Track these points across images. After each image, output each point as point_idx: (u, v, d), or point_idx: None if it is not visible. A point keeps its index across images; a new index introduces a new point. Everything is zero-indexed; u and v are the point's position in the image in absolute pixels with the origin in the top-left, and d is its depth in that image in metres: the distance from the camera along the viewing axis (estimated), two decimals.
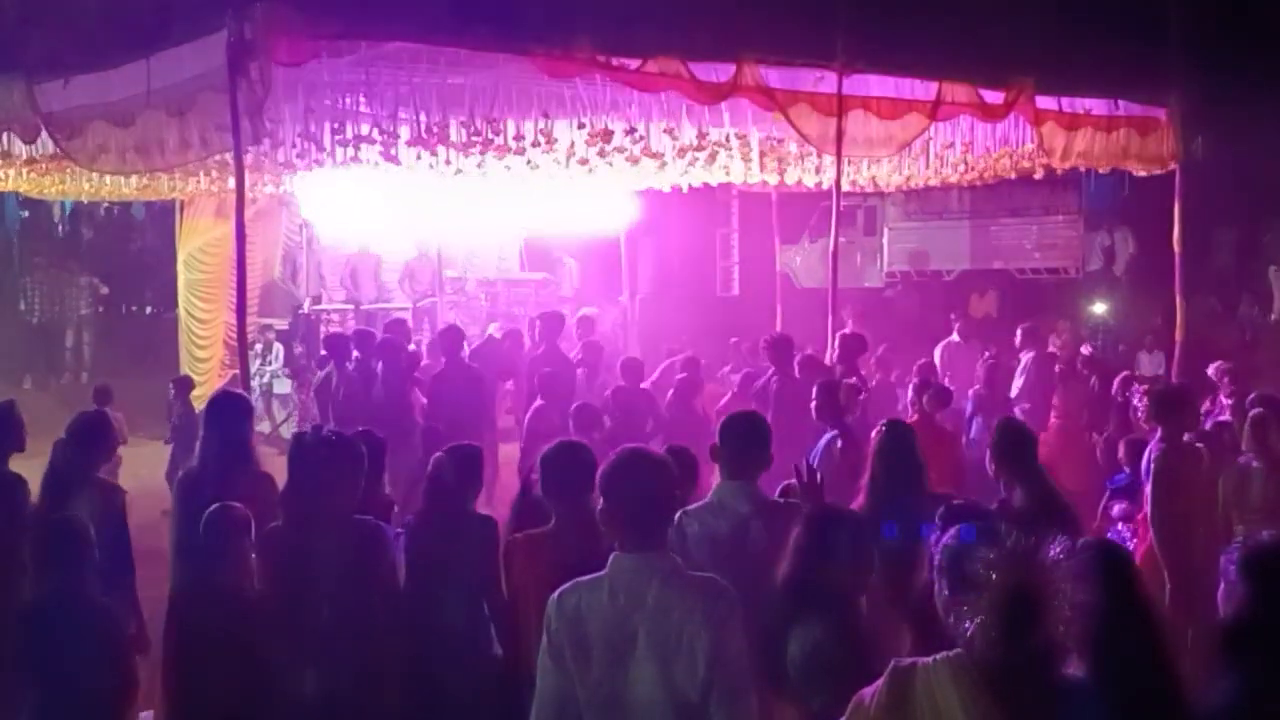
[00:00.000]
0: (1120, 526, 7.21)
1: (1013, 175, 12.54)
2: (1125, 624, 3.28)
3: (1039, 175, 12.37)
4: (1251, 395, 7.21)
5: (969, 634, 2.73)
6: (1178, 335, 11.80)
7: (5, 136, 9.69)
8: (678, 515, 4.48)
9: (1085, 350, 13.00)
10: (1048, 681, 2.75)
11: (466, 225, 15.39)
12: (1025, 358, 11.40)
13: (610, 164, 10.59)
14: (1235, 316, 17.43)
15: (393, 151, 9.17)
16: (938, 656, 2.83)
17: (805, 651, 3.69)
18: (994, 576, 2.69)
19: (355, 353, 10.77)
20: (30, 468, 5.98)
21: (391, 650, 4.76)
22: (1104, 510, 7.47)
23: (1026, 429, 5.77)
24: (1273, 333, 16.77)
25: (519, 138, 9.43)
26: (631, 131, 9.61)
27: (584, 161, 10.29)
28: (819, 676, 3.63)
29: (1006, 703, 2.72)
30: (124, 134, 8.10)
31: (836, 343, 9.81)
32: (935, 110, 9.80)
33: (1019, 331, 11.74)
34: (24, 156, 10.40)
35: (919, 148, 11.66)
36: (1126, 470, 7.53)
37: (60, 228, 20.28)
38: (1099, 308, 18.91)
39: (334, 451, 4.90)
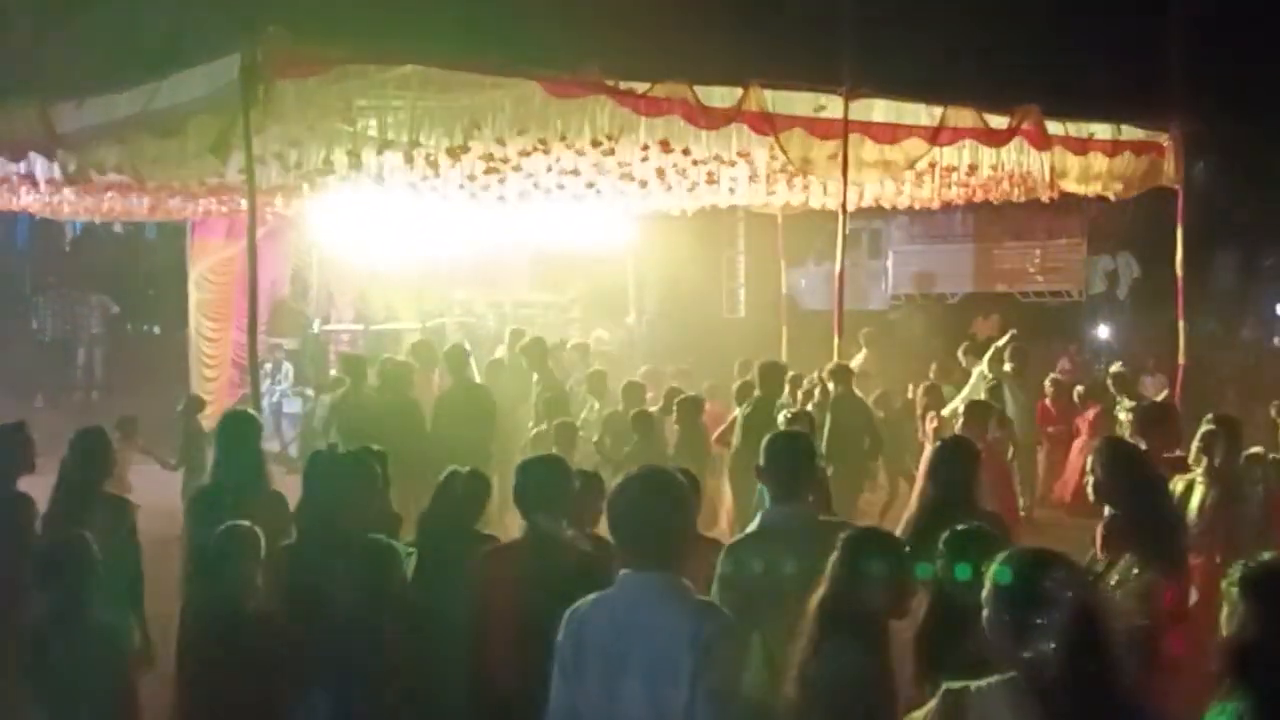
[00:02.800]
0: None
1: (1019, 198, 12.59)
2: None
3: (1044, 198, 12.43)
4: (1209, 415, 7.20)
5: (1029, 657, 2.72)
6: (1179, 359, 11.84)
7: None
8: (726, 547, 4.40)
9: (1115, 368, 13.01)
10: (1108, 704, 2.74)
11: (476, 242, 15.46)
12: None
13: (616, 181, 10.68)
14: (1238, 340, 17.48)
15: (389, 173, 9.26)
16: (991, 680, 2.81)
17: (831, 671, 3.63)
18: (1059, 599, 2.71)
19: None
20: (43, 485, 6.02)
21: (402, 667, 4.79)
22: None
23: (1137, 449, 5.69)
24: (1274, 357, 16.80)
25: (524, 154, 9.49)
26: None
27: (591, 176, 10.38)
28: (844, 698, 3.59)
29: None
30: (127, 151, 8.20)
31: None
32: (936, 135, 9.88)
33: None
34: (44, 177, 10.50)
35: (925, 169, 11.73)
36: None
37: (71, 247, 20.42)
38: (1102, 331, 18.97)
39: (348, 470, 4.96)
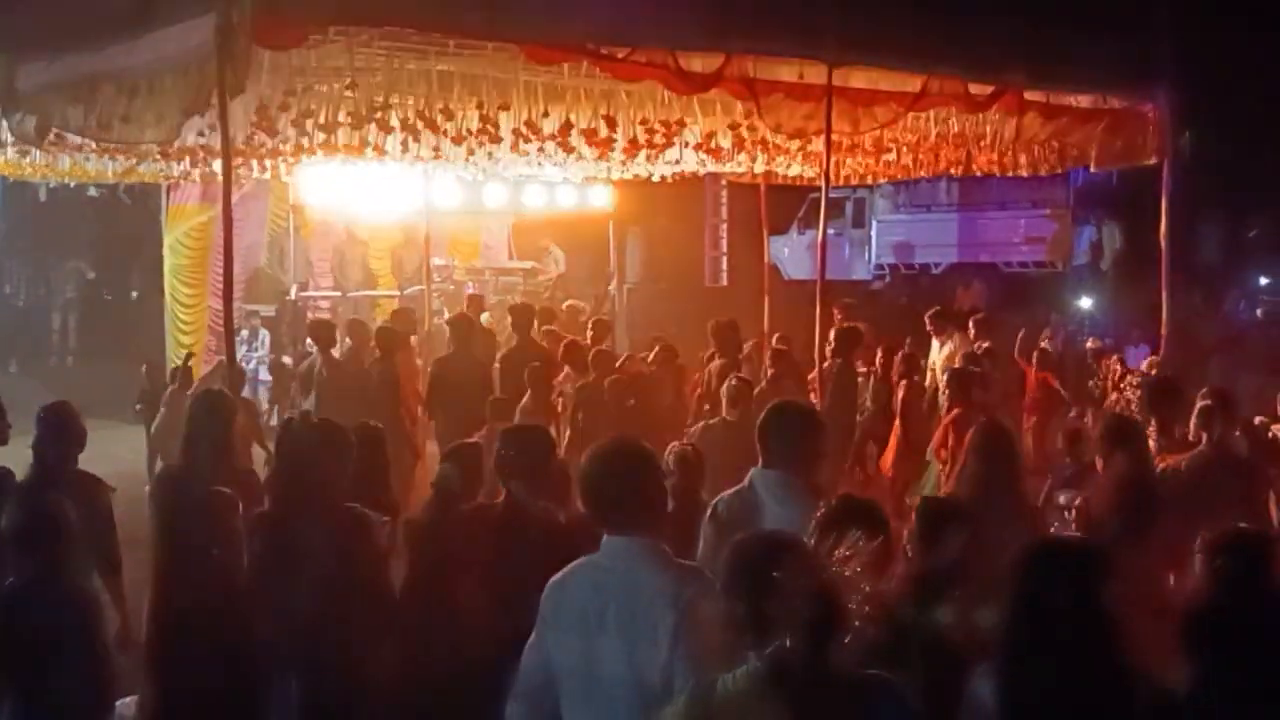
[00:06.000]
0: (1068, 515, 7.30)
1: (996, 172, 12.51)
2: (1082, 622, 3.25)
3: (1023, 172, 12.36)
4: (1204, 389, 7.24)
5: (768, 649, 2.70)
6: (1163, 330, 11.83)
7: None
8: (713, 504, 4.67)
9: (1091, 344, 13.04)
10: (853, 680, 2.75)
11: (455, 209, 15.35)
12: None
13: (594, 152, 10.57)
14: (1221, 311, 17.52)
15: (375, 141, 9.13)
16: (737, 671, 2.78)
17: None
18: (791, 586, 2.65)
19: (347, 340, 10.81)
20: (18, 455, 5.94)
21: (377, 638, 4.76)
22: (1047, 498, 7.50)
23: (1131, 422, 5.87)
24: (1258, 328, 16.84)
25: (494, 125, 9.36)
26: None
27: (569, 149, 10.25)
28: None
29: (815, 708, 2.69)
30: (80, 111, 8.05)
31: (832, 336, 9.91)
32: (916, 101, 9.76)
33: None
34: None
35: (903, 139, 11.64)
36: (1067, 460, 7.76)
37: (44, 212, 20.18)
38: (1085, 301, 18.99)
39: (321, 438, 4.90)
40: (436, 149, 9.80)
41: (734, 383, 8.24)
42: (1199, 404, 6.54)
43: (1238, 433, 7.28)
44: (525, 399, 9.44)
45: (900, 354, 10.91)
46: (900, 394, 10.15)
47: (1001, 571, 3.41)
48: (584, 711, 3.34)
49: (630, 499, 3.40)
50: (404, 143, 9.34)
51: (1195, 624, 3.59)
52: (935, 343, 12.06)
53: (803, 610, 2.65)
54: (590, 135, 9.54)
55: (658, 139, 10.03)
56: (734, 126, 10.46)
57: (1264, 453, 7.23)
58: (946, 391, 8.91)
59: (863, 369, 11.11)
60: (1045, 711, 3.19)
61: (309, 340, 11.44)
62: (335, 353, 10.70)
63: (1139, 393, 7.85)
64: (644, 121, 9.68)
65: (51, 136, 9.14)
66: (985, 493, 5.27)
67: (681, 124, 9.89)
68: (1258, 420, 8.17)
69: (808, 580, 2.66)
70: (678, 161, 11.95)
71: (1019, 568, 3.34)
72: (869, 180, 14.42)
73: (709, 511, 4.68)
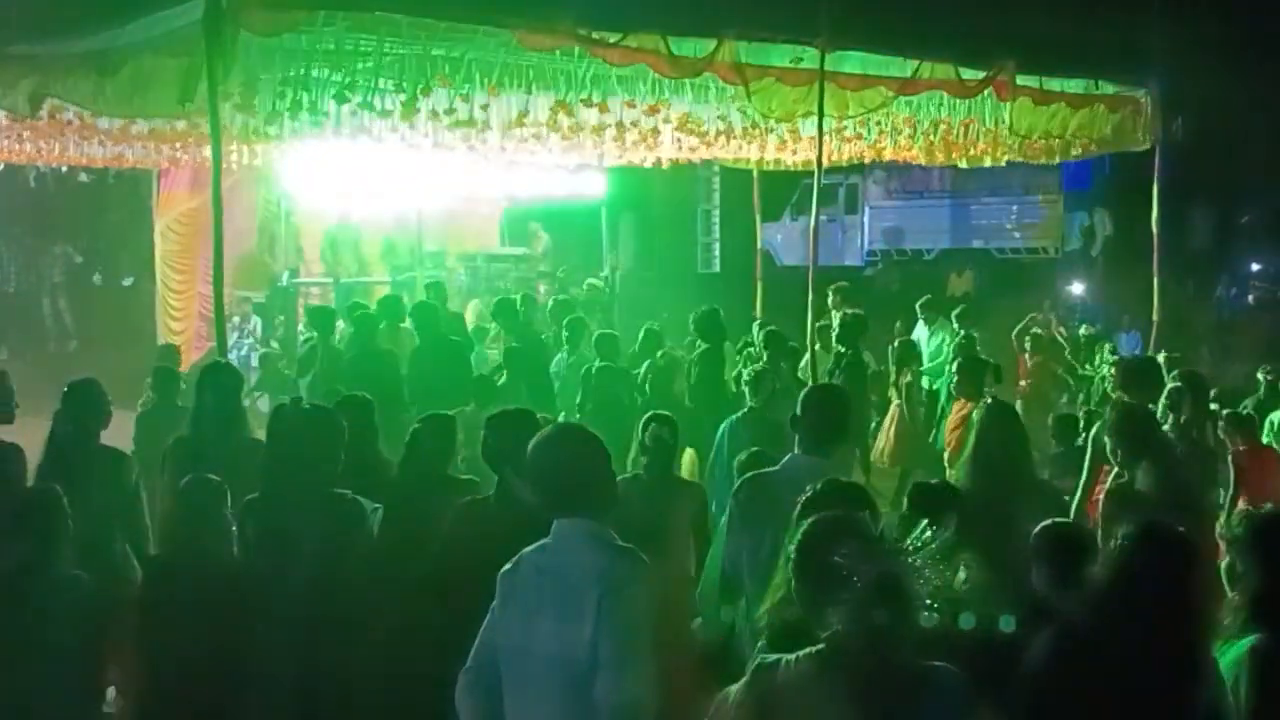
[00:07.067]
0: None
1: (987, 163, 12.49)
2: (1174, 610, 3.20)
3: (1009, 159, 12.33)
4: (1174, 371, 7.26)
5: (834, 629, 2.69)
6: (1154, 316, 11.88)
7: None
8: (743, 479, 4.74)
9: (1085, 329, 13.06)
10: (913, 670, 2.73)
11: (447, 196, 15.30)
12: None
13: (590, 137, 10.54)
14: (1212, 297, 17.55)
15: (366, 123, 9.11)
16: (800, 653, 2.78)
17: None
18: (858, 569, 2.63)
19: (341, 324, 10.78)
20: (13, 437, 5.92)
21: (368, 622, 4.75)
22: None
23: (1149, 412, 5.72)
24: (1249, 314, 16.89)
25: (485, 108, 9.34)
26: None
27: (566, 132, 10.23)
28: None
29: (874, 695, 2.68)
30: (77, 85, 8.03)
31: (837, 325, 9.93)
32: (906, 86, 9.74)
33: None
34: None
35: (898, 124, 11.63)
36: (1053, 442, 7.87)
37: (35, 197, 20.10)
38: (1076, 287, 19.01)
39: (313, 424, 4.89)
40: (426, 134, 9.77)
41: (755, 369, 8.22)
42: (1168, 385, 6.54)
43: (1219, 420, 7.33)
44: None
45: (897, 341, 10.91)
46: (899, 382, 10.14)
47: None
48: (519, 689, 3.40)
49: (575, 484, 3.45)
50: (394, 128, 9.33)
51: (1250, 602, 3.54)
52: (925, 331, 12.04)
53: (865, 596, 2.63)
54: (568, 112, 9.49)
55: (645, 124, 10.02)
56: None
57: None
58: (956, 380, 8.83)
59: None
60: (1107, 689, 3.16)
61: (301, 326, 11.42)
62: (334, 339, 10.66)
63: (1113, 372, 7.85)
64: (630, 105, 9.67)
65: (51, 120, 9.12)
66: (1001, 479, 5.09)
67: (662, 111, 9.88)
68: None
69: (871, 566, 2.64)
70: (684, 147, 11.93)
71: (1123, 548, 3.29)
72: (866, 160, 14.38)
73: (735, 489, 4.74)
